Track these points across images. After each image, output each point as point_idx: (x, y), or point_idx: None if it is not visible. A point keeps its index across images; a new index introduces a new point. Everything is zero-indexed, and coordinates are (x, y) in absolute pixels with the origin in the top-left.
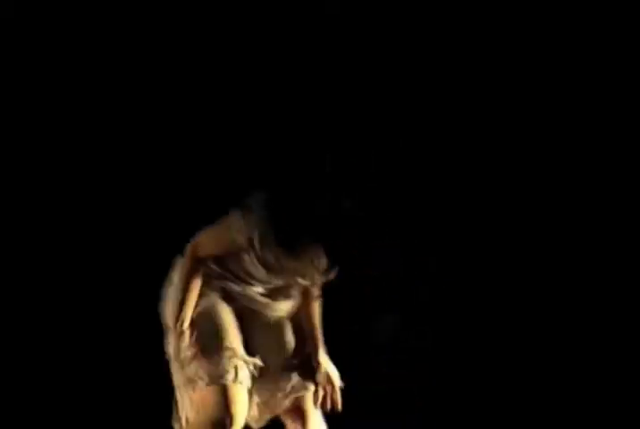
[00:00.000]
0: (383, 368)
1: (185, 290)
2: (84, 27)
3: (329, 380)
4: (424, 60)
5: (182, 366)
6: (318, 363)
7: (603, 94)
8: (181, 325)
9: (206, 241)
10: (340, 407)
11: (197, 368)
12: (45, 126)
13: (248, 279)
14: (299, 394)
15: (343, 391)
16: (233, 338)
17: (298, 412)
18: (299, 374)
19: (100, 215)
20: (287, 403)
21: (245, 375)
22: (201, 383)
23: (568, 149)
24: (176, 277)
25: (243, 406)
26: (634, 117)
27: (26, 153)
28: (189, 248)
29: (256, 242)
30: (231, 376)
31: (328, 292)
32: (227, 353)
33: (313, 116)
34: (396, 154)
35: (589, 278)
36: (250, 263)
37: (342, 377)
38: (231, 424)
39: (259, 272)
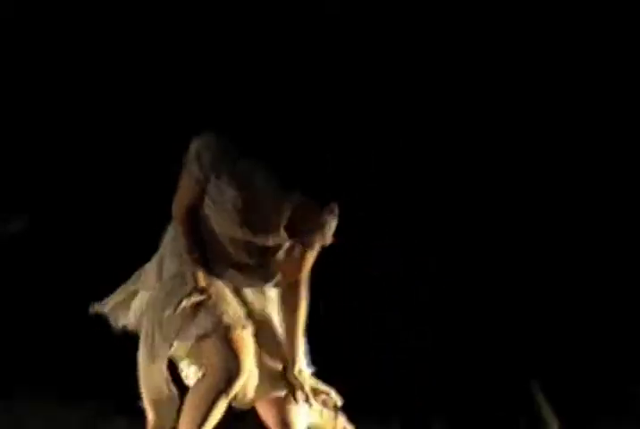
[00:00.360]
0: (383, 368)
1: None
2: (84, 26)
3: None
4: (423, 60)
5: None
6: (294, 379)
7: (603, 94)
8: (200, 283)
9: (180, 190)
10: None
11: (201, 321)
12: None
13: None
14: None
15: (343, 391)
16: (227, 291)
17: (284, 425)
18: (280, 383)
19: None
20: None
21: (243, 318)
22: (205, 335)
23: (568, 149)
24: (171, 245)
25: (249, 350)
26: (633, 117)
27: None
28: (174, 210)
29: (206, 162)
30: (232, 321)
31: (328, 291)
32: (221, 305)
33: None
34: (396, 153)
35: (588, 276)
36: (211, 209)
37: (343, 377)
38: (237, 371)
39: (219, 216)
